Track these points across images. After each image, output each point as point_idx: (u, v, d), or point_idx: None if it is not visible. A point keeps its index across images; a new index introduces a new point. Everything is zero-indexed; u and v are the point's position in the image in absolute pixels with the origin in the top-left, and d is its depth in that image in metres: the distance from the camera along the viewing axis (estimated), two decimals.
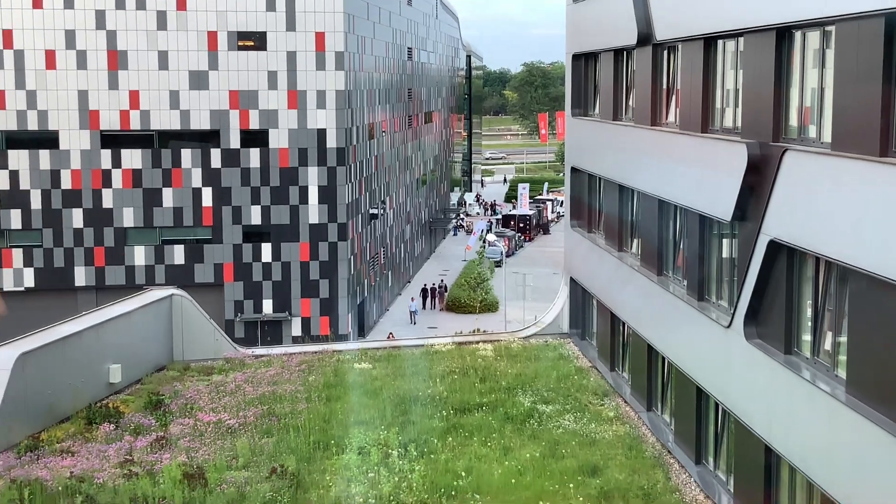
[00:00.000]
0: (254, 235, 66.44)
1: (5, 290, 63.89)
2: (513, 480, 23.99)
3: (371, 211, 74.60)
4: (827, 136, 18.12)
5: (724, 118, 23.71)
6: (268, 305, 66.71)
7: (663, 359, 27.90)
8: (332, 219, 66.76)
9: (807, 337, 19.56)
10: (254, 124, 65.59)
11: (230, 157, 65.66)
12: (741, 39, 22.08)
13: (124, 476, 24.77)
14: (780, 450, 20.01)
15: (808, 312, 19.49)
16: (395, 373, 34.35)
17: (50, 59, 63.79)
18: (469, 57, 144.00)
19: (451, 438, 27.14)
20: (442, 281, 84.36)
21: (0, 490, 24.01)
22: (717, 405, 23.92)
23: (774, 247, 20.16)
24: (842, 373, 17.82)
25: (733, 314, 22.06)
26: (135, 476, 24.69)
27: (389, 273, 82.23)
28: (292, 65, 65.54)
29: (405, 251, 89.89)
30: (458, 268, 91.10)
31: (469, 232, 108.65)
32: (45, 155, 64.36)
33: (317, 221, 66.63)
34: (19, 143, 64.13)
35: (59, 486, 24.05)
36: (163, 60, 64.60)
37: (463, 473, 24.50)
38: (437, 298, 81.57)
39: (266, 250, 66.53)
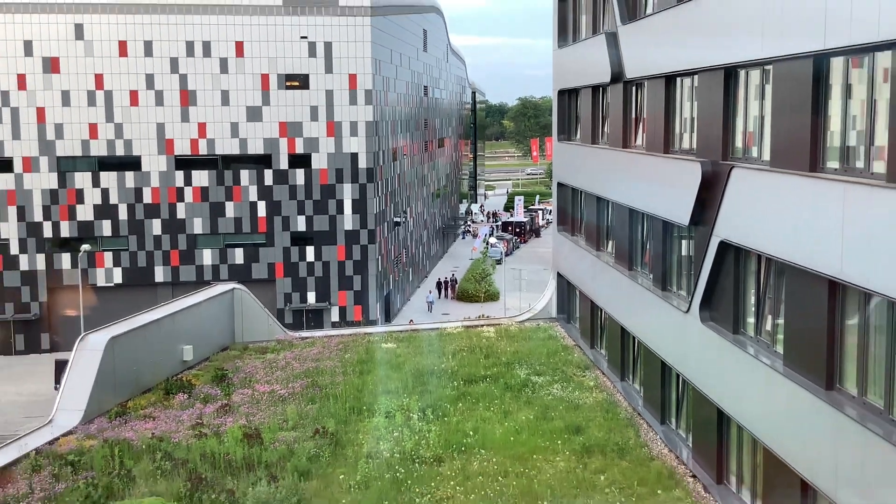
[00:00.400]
0: (299, 240, 66.50)
1: (98, 285, 64.12)
2: (511, 438, 24.01)
3: (395, 219, 74.64)
4: (766, 156, 18.10)
5: (682, 141, 23.69)
6: (311, 297, 66.80)
7: (634, 338, 27.91)
8: (363, 226, 66.82)
9: (751, 320, 19.54)
10: (299, 149, 65.66)
11: (280, 176, 65.76)
12: (695, 77, 22.07)
13: (195, 436, 24.85)
14: (729, 412, 19.99)
15: (752, 300, 19.47)
16: (414, 351, 34.41)
17: (133, 98, 63.95)
18: (474, 93, 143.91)
19: (460, 404, 27.18)
20: (453, 275, 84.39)
21: (95, 448, 24.14)
22: (678, 376, 23.90)
23: (724, 246, 20.15)
24: (780, 349, 17.80)
25: (690, 301, 22.05)
26: (204, 436, 24.77)
27: (410, 270, 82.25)
28: (330, 101, 65.61)
29: (423, 252, 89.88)
30: (466, 265, 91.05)
31: (475, 236, 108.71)
32: (130, 176, 64.51)
33: (351, 228, 66.70)
34: (109, 166, 64.30)
35: (143, 444, 24.20)
36: (224, 98, 64.71)
37: (471, 432, 24.54)
38: (449, 290, 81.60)
39: (310, 252, 66.62)
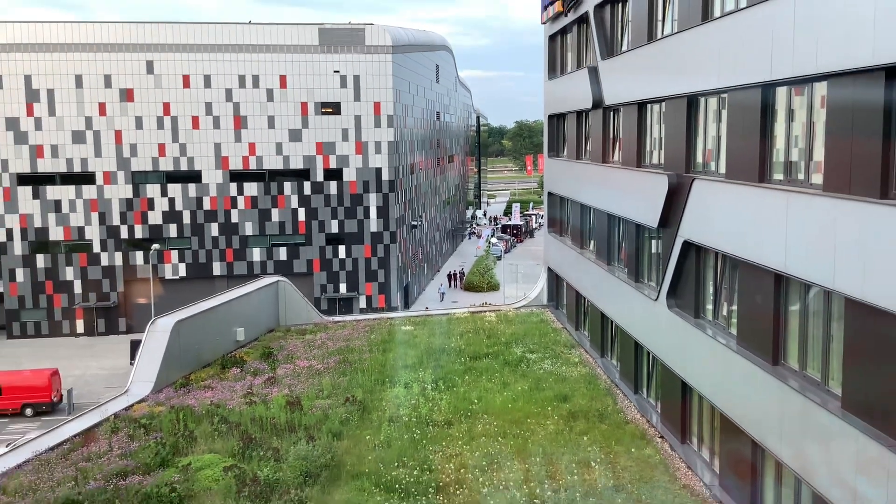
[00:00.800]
0: (333, 240, 66.48)
1: (166, 278, 64.22)
2: (509, 405, 23.97)
3: (412, 223, 74.57)
4: (722, 169, 18.03)
5: (651, 157, 23.61)
6: (342, 287, 66.78)
7: (611, 322, 27.83)
8: (385, 228, 66.79)
9: (709, 306, 19.46)
10: (332, 165, 65.60)
11: (317, 187, 65.75)
12: (663, 104, 22.00)
13: (246, 403, 24.91)
14: (691, 383, 19.93)
15: (711, 289, 19.39)
16: (429, 332, 34.38)
17: (195, 122, 64.02)
18: (478, 117, 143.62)
19: (467, 377, 27.16)
20: (461, 269, 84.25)
21: (164, 413, 24.21)
22: (648, 353, 23.83)
23: (687, 245, 20.08)
24: (733, 331, 17.73)
25: (659, 291, 21.98)
26: (253, 403, 24.84)
27: (425, 265, 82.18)
28: (358, 124, 65.57)
29: (435, 250, 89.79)
30: (471, 261, 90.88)
31: (479, 236, 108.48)
32: (192, 187, 64.59)
33: (375, 230, 66.66)
34: (175, 179, 64.38)
35: (203, 410, 24.26)
36: (270, 122, 64.73)
37: (475, 400, 24.51)
38: (457, 281, 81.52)
39: (341, 250, 66.60)
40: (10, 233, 62.94)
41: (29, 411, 45.91)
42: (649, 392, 24.11)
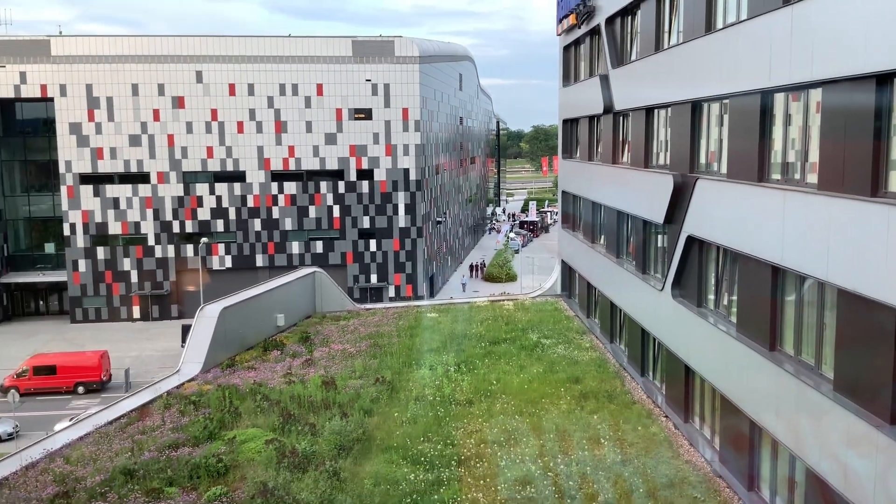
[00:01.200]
0: (365, 234, 66.58)
1: (213, 269, 64.70)
2: (525, 386, 23.95)
3: (437, 219, 74.52)
4: (724, 170, 17.86)
5: (658, 159, 23.45)
6: (373, 278, 66.93)
7: (620, 310, 27.70)
8: (413, 224, 66.81)
9: (711, 296, 19.31)
10: (364, 166, 65.69)
11: (350, 186, 65.88)
12: (669, 109, 21.82)
13: (286, 383, 25.05)
14: (694, 367, 19.81)
15: (712, 280, 19.24)
16: (452, 319, 34.38)
17: (240, 127, 64.35)
18: (498, 122, 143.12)
19: (487, 360, 27.13)
20: (482, 261, 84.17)
21: (211, 391, 24.40)
22: (654, 339, 23.71)
23: (691, 240, 19.93)
24: (734, 319, 17.59)
25: (664, 282, 21.84)
26: (292, 382, 24.97)
27: (449, 257, 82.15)
28: (388, 129, 65.59)
29: (458, 243, 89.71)
30: (491, 254, 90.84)
31: (498, 231, 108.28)
32: (237, 186, 64.96)
33: (403, 226, 66.71)
34: (222, 178, 64.77)
35: (247, 388, 24.43)
36: (308, 127, 64.91)
37: (494, 382, 24.51)
38: (478, 272, 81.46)
39: (372, 244, 66.73)
40: (73, 227, 63.72)
41: (81, 389, 46.58)
42: (655, 375, 23.98)
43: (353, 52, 64.58)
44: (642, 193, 23.83)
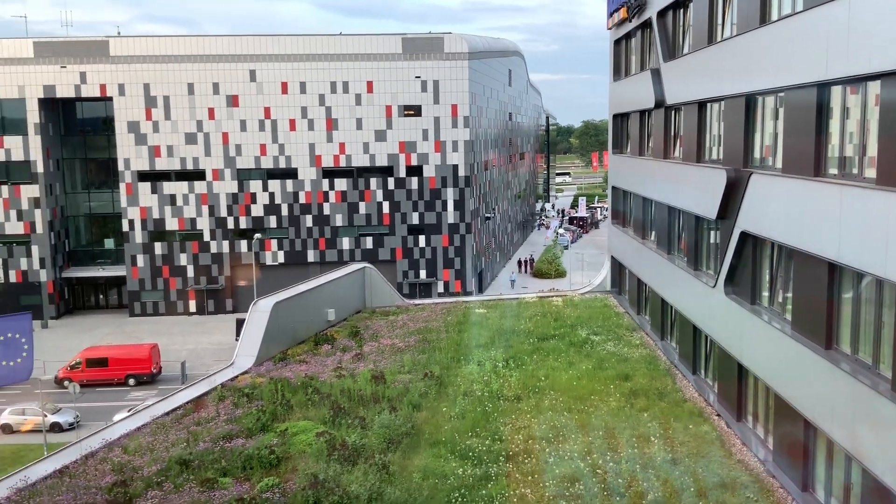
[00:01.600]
0: (414, 230, 66.84)
1: (266, 264, 65.70)
2: (574, 383, 23.81)
3: (486, 215, 74.43)
4: (779, 164, 17.48)
5: (711, 153, 23.05)
6: (422, 273, 67.18)
7: (671, 307, 27.33)
8: (462, 220, 66.87)
9: (765, 293, 18.94)
10: (414, 162, 65.95)
11: (400, 183, 66.22)
12: (722, 103, 21.43)
13: (336, 376, 25.33)
14: (747, 365, 19.46)
15: (766, 277, 18.86)
16: (500, 315, 34.32)
17: (292, 125, 65.18)
18: (547, 117, 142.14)
19: (535, 356, 27.05)
20: (531, 256, 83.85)
21: (264, 383, 24.79)
22: (706, 336, 23.34)
23: (744, 236, 19.57)
24: (788, 317, 17.23)
25: (717, 278, 21.49)
26: (342, 376, 25.24)
27: (497, 253, 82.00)
28: (437, 125, 65.71)
29: (507, 239, 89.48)
30: (540, 250, 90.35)
31: (547, 227, 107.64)
32: (289, 183, 65.82)
33: (452, 222, 66.80)
34: (275, 175, 65.70)
35: (298, 381, 24.76)
36: (358, 124, 65.42)
37: (543, 378, 24.42)
38: (527, 267, 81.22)
39: (421, 240, 66.96)
40: (132, 223, 65.39)
41: (132, 381, 47.75)
42: (706, 373, 23.61)
43: (403, 49, 64.83)
44: (694, 188, 23.45)
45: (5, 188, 63.84)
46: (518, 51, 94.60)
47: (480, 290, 69.92)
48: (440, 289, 66.69)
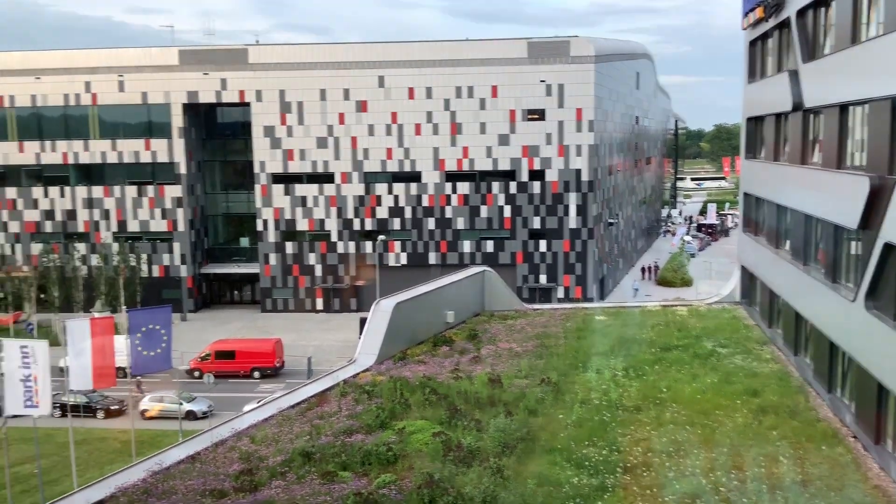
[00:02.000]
0: (535, 235, 66.48)
1: (389, 265, 67.05)
2: (698, 396, 22.97)
3: (609, 220, 73.06)
4: None
5: (853, 159, 21.67)
6: (542, 278, 66.72)
7: (806, 321, 25.85)
8: (584, 225, 65.95)
9: None
10: (536, 166, 65.65)
11: (521, 187, 66.08)
12: (866, 106, 20.10)
13: (453, 378, 25.47)
14: (888, 385, 18.14)
15: None
16: (622, 323, 33.57)
17: (417, 129, 66.31)
18: (676, 121, 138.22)
19: (656, 367, 26.30)
20: (655, 264, 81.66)
21: (384, 382, 25.26)
22: (843, 353, 21.93)
23: (888, 247, 18.25)
24: None
25: (857, 292, 20.15)
26: (460, 378, 25.36)
27: (620, 260, 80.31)
28: (561, 129, 65.13)
29: (630, 246, 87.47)
30: (665, 257, 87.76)
31: (673, 234, 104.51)
32: (413, 186, 67.00)
33: (574, 227, 65.99)
34: (399, 179, 67.05)
35: (416, 381, 25.02)
36: (482, 128, 65.74)
37: (664, 390, 23.69)
38: (651, 274, 79.19)
39: (542, 244, 66.53)
40: (265, 223, 68.47)
41: (257, 374, 49.80)
42: (843, 392, 22.18)
43: (529, 53, 64.67)
44: (834, 196, 22.11)
45: (151, 188, 68.36)
46: (647, 53, 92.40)
47: (602, 297, 68.68)
48: (560, 294, 66.00)
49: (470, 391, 23.62)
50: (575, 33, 66.46)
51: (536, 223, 66.17)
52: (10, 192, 69.19)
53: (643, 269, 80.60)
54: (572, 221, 65.79)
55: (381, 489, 17.34)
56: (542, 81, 64.59)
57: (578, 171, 65.20)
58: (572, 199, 65.58)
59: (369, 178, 67.19)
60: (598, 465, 18.42)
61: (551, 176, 65.49)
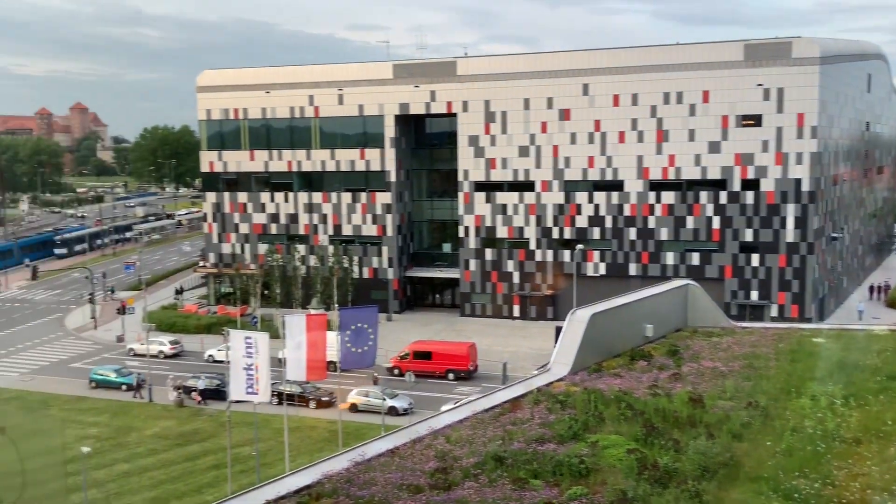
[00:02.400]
0: (746, 248, 62.92)
1: (587, 275, 66.29)
2: None
3: (832, 235, 67.40)
4: None
5: None
6: (753, 295, 62.89)
7: None
8: (803, 239, 61.41)
9: None
10: (750, 175, 62.13)
11: (733, 197, 62.80)
12: None
13: (651, 394, 24.72)
14: None
15: None
16: (843, 347, 30.94)
17: (621, 137, 65.13)
18: None
19: (882, 396, 23.81)
20: (885, 283, 74.09)
21: (577, 393, 24.96)
22: None
23: None
24: None
25: None
26: (657, 395, 24.56)
27: (844, 278, 73.80)
28: (779, 136, 61.17)
29: (857, 263, 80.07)
30: None
31: None
32: (615, 195, 65.87)
33: (791, 240, 61.64)
34: (600, 187, 66.22)
35: (611, 395, 24.55)
36: (691, 135, 63.33)
37: (889, 422, 21.40)
38: (880, 294, 71.97)
39: (755, 258, 62.78)
40: (467, 230, 70.32)
41: (451, 376, 50.96)
42: None
43: (745, 56, 61.45)
44: None
45: (364, 195, 72.54)
46: (880, 53, 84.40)
47: (821, 317, 63.50)
48: (773, 313, 61.90)
49: (668, 409, 22.80)
50: (797, 34, 62.25)
51: (748, 235, 62.58)
52: (242, 197, 76.32)
53: (871, 289, 73.48)
54: (790, 234, 61.54)
55: (573, 501, 17.18)
56: (759, 85, 61.08)
57: (798, 181, 60.87)
58: (790, 211, 61.34)
59: (569, 187, 66.91)
60: (809, 498, 17.04)
61: (767, 185, 61.68)
